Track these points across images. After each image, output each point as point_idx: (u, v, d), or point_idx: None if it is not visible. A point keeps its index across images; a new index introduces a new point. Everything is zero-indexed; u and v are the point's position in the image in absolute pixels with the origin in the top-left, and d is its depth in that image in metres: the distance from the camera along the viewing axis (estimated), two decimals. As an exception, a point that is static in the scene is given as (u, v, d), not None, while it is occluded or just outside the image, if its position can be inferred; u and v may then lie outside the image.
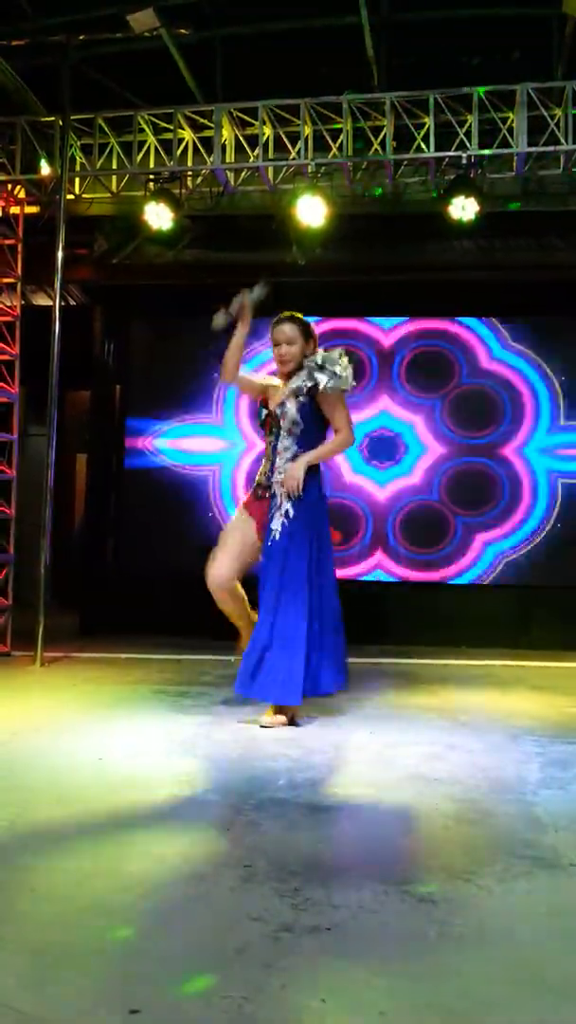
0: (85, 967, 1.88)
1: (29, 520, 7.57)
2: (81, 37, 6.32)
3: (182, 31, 6.28)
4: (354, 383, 4.25)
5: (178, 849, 2.59)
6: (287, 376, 4.26)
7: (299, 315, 4.33)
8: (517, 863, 2.51)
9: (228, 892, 2.29)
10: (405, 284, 7.93)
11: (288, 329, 4.25)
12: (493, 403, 7.97)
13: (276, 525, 4.13)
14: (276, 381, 4.37)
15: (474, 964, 1.93)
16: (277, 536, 4.12)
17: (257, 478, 4.36)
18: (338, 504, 8.10)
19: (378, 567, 8.00)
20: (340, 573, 7.97)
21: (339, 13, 6.17)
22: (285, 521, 4.12)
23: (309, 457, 4.13)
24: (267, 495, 4.22)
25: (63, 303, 6.71)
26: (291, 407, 4.17)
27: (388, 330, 8.18)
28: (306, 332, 4.28)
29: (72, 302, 8.59)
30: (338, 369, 4.12)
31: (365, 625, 7.65)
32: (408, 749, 3.86)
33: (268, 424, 4.29)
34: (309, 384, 4.14)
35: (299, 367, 4.22)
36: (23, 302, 7.02)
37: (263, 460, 4.34)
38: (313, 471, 4.18)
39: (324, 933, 2.06)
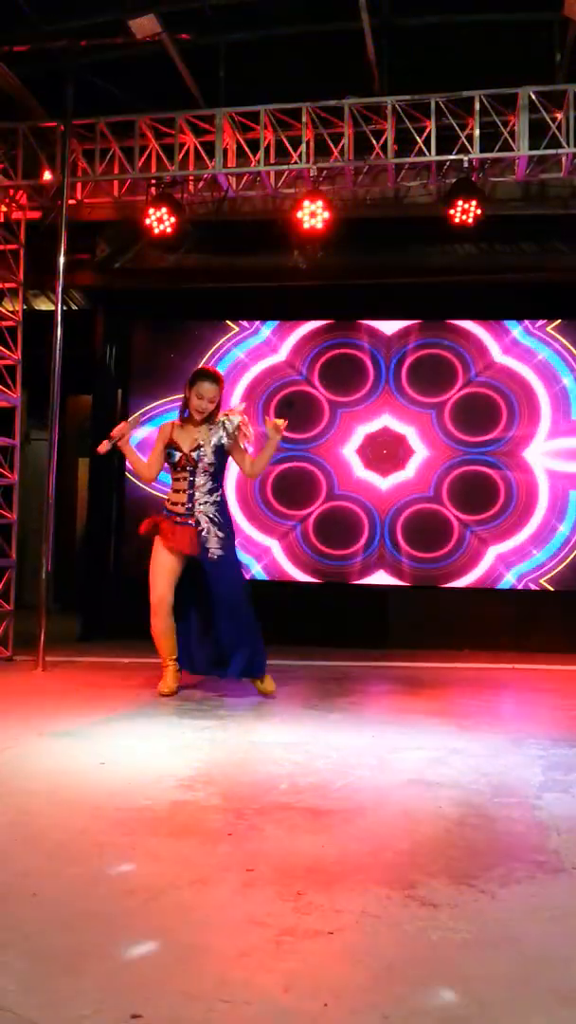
0: (87, 972, 1.88)
1: (30, 525, 7.58)
2: (83, 43, 6.32)
3: (183, 36, 6.29)
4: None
5: (180, 853, 2.59)
6: (188, 419, 5.21)
7: (219, 373, 5.33)
8: (520, 867, 2.50)
9: (231, 896, 2.28)
10: (407, 287, 7.93)
11: (212, 389, 5.17)
12: (496, 406, 7.97)
13: (214, 546, 5.08)
14: (173, 420, 5.30)
15: (477, 968, 1.92)
16: (220, 552, 5.09)
17: (173, 508, 5.18)
18: (341, 507, 8.10)
19: (380, 570, 7.99)
20: (343, 577, 8.01)
21: (340, 18, 6.17)
22: (219, 541, 5.10)
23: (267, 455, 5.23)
24: (187, 522, 5.12)
25: (65, 308, 6.72)
26: (208, 452, 5.13)
27: (390, 333, 8.18)
28: (220, 390, 5.21)
29: (74, 307, 8.61)
30: (237, 424, 5.18)
31: (367, 628, 7.70)
32: (410, 753, 3.85)
33: (182, 462, 5.16)
34: (225, 439, 5.15)
35: (211, 417, 5.19)
36: (25, 307, 7.02)
37: (176, 492, 5.19)
38: (224, 504, 5.21)
39: (327, 937, 2.05)
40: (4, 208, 6.94)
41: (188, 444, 5.17)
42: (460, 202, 6.39)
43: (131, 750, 3.87)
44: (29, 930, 2.08)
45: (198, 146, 6.72)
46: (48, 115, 6.87)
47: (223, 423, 5.17)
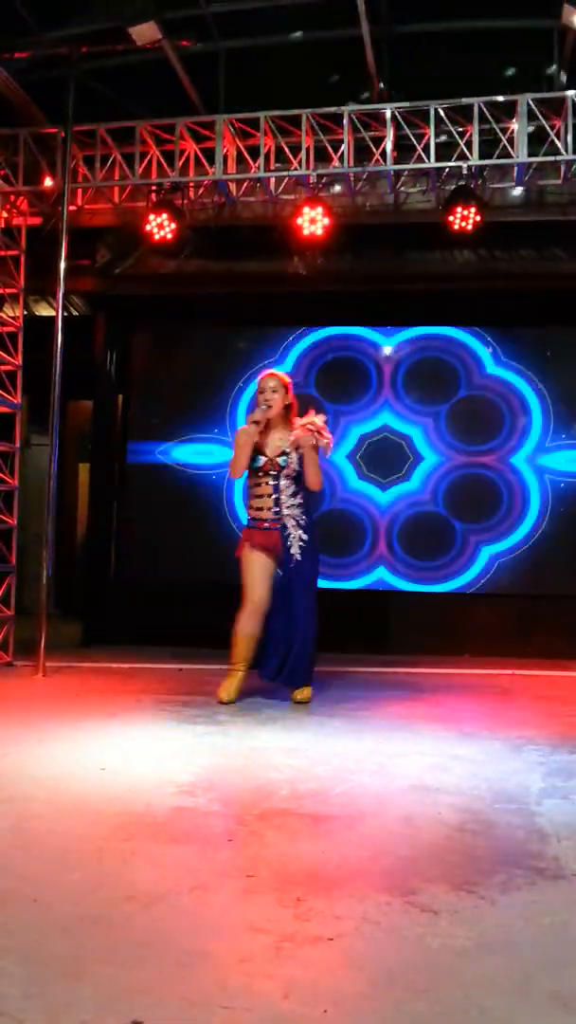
0: (87, 977, 1.88)
1: (31, 530, 7.58)
2: (84, 49, 6.34)
3: (184, 43, 6.31)
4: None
5: (180, 859, 2.59)
6: (269, 421, 5.22)
7: (279, 374, 5.42)
8: (520, 874, 2.50)
9: (231, 902, 2.28)
10: (406, 294, 7.94)
11: (273, 383, 5.28)
12: (495, 412, 7.98)
13: (296, 551, 5.16)
14: (254, 428, 5.21)
15: (477, 975, 1.92)
16: (300, 557, 5.16)
17: (258, 514, 5.28)
18: (340, 513, 8.10)
19: (381, 576, 7.99)
20: (343, 584, 8.00)
21: (340, 25, 6.19)
22: (302, 545, 5.18)
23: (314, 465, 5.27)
24: (275, 527, 5.20)
25: (65, 313, 6.73)
26: (294, 458, 5.22)
27: (389, 340, 8.19)
28: (284, 388, 5.29)
29: (74, 312, 8.61)
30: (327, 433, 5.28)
31: (368, 635, 7.69)
32: (411, 759, 3.85)
33: (266, 467, 5.24)
34: (311, 442, 5.18)
35: (285, 418, 5.26)
36: (26, 312, 7.04)
37: (260, 498, 5.28)
38: (307, 507, 5.28)
39: (326, 943, 2.05)
40: (5, 214, 6.95)
41: (271, 450, 5.25)
42: (459, 209, 6.40)
43: (131, 756, 3.87)
44: (29, 936, 2.09)
45: (198, 152, 6.74)
46: (49, 121, 6.89)
47: (309, 428, 5.21)
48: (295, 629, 5.15)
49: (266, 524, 5.23)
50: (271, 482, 5.25)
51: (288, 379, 5.37)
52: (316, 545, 5.30)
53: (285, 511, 5.21)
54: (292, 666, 5.17)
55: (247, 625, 5.17)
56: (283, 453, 5.22)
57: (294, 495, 5.23)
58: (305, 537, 5.19)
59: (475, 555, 7.93)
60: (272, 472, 5.25)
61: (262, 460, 5.24)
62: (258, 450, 5.23)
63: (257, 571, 5.20)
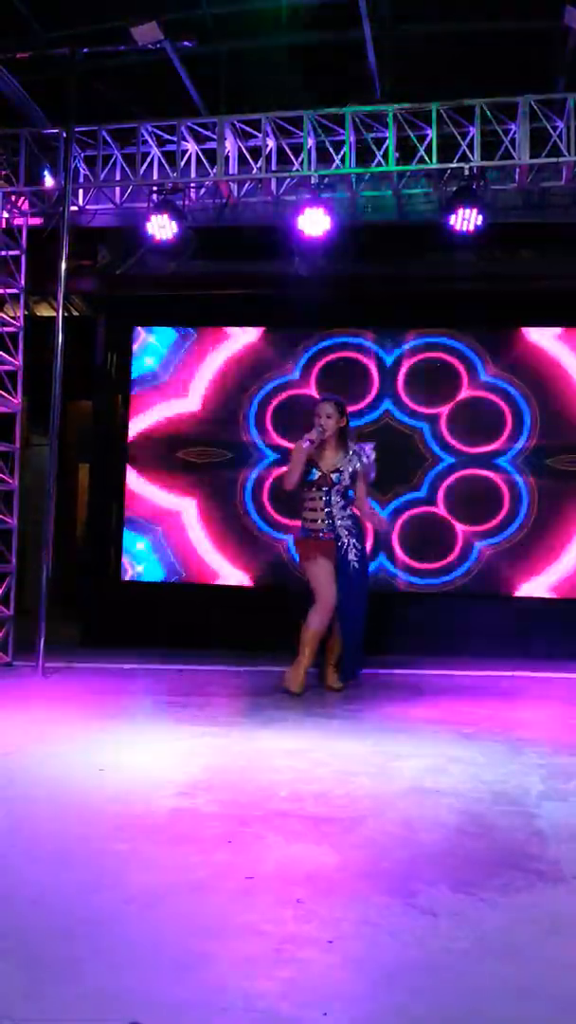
0: (86, 979, 1.88)
1: (31, 530, 7.58)
2: (85, 50, 6.34)
3: (185, 44, 6.31)
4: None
5: (180, 861, 2.58)
6: (325, 441, 5.63)
7: (337, 399, 5.85)
8: (520, 876, 2.50)
9: (230, 904, 2.28)
10: (407, 295, 7.94)
11: (329, 408, 5.67)
12: (496, 414, 7.96)
13: (352, 557, 5.61)
14: (308, 445, 5.57)
15: (477, 977, 1.92)
16: (357, 565, 5.62)
17: (312, 525, 5.67)
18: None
19: (380, 577, 7.98)
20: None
21: (341, 26, 6.19)
22: (357, 553, 5.63)
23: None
24: (329, 536, 5.61)
25: (66, 314, 6.72)
26: (346, 476, 5.67)
27: (390, 341, 8.18)
28: (340, 410, 5.70)
29: (75, 313, 8.61)
30: (372, 460, 5.79)
31: (368, 636, 7.68)
32: (411, 761, 3.85)
33: (319, 482, 5.66)
34: (359, 467, 5.70)
35: (340, 438, 5.68)
36: (26, 313, 7.03)
37: (313, 511, 5.67)
38: (358, 518, 5.75)
39: (326, 946, 2.05)
40: (6, 214, 6.95)
41: (327, 466, 5.67)
42: (461, 210, 6.41)
43: (131, 756, 3.86)
44: (29, 937, 2.08)
45: (200, 153, 6.74)
46: (50, 122, 6.89)
47: (359, 455, 5.71)
48: (350, 632, 5.64)
49: (320, 534, 5.64)
50: (324, 496, 5.65)
51: (343, 404, 5.79)
52: (367, 555, 5.85)
53: (338, 523, 5.63)
54: (348, 666, 5.78)
55: (318, 622, 5.53)
56: (337, 470, 5.64)
57: (344, 508, 5.66)
58: (359, 546, 5.65)
59: (478, 559, 7.91)
60: (325, 487, 5.65)
61: (317, 474, 5.66)
62: (313, 464, 5.64)
63: (324, 574, 5.57)
